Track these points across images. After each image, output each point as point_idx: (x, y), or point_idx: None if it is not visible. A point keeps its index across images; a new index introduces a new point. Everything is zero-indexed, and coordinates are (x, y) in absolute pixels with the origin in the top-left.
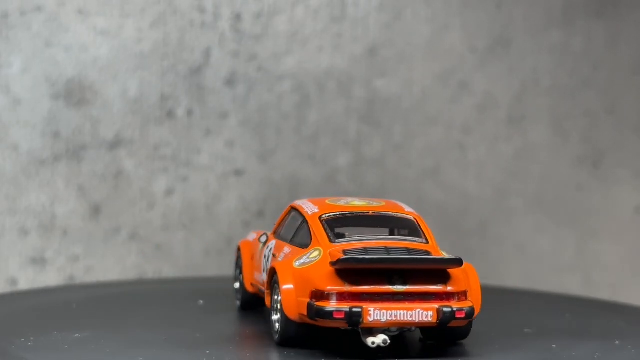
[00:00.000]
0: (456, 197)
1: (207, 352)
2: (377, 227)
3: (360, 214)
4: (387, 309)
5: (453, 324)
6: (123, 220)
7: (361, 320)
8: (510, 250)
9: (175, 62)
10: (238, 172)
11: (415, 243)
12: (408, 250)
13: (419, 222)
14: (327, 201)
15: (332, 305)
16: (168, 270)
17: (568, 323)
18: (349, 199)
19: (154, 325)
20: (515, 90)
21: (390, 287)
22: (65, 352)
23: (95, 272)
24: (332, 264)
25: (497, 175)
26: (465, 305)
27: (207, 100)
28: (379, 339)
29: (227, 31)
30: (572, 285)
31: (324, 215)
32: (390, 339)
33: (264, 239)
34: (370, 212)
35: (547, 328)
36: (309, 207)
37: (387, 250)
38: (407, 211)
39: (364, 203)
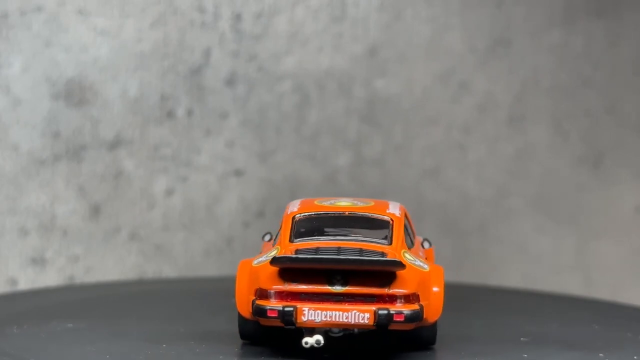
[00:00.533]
0: (456, 197)
1: (164, 345)
2: (353, 227)
3: (337, 214)
4: (322, 310)
5: (395, 327)
6: (123, 220)
7: (294, 319)
8: (510, 250)
9: (175, 62)
10: (238, 172)
11: (373, 244)
12: (360, 251)
13: (393, 223)
14: (315, 201)
15: (270, 303)
16: (168, 270)
17: (561, 328)
18: (338, 200)
19: (142, 321)
20: (515, 90)
21: (329, 287)
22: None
23: (95, 272)
24: (270, 263)
25: (497, 175)
26: (409, 308)
27: (207, 100)
28: (312, 339)
29: (227, 31)
30: (572, 285)
31: (297, 215)
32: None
33: (267, 237)
34: (347, 213)
35: (536, 334)
36: (292, 207)
37: (339, 250)
38: (388, 212)
39: (348, 203)
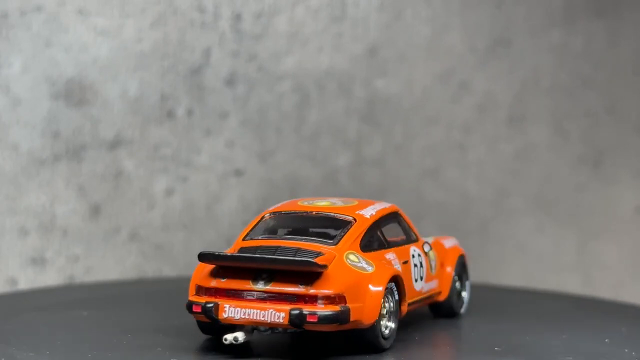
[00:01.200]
0: (456, 197)
1: (129, 335)
2: (315, 227)
3: (304, 214)
4: (241, 307)
5: (311, 328)
6: (123, 220)
7: (215, 315)
8: (510, 250)
9: (175, 62)
10: (238, 172)
11: (315, 244)
12: (296, 251)
13: (354, 224)
14: (298, 202)
15: (196, 299)
16: (168, 270)
17: (545, 335)
18: (322, 199)
19: (132, 316)
20: (515, 90)
21: (252, 285)
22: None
23: (95, 272)
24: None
25: (497, 175)
26: (327, 309)
27: (207, 100)
28: (231, 336)
29: (227, 31)
30: (572, 285)
31: (267, 214)
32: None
33: None
34: (314, 213)
35: (514, 343)
36: (273, 206)
37: (276, 250)
38: (357, 213)
39: (326, 203)
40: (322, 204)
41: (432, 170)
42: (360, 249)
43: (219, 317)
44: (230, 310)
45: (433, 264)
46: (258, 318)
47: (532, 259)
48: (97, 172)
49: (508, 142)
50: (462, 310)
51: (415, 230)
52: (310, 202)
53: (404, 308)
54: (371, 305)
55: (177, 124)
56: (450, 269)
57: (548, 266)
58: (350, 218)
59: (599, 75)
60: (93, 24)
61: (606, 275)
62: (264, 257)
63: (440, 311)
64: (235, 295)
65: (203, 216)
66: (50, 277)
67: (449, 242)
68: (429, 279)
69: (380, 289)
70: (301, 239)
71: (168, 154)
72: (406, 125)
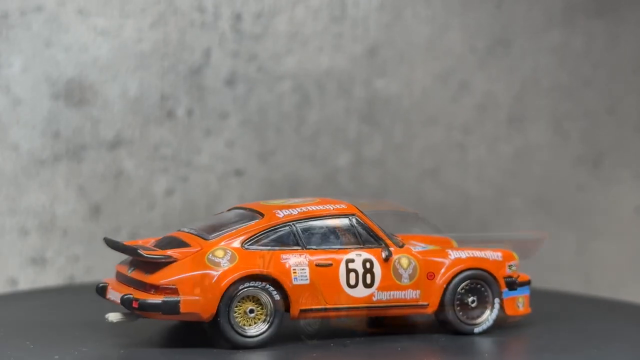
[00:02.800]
0: (456, 197)
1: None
2: (236, 223)
3: (240, 210)
4: (115, 290)
5: (141, 314)
6: (123, 220)
7: (103, 295)
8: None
9: (175, 62)
10: (238, 172)
11: (195, 238)
12: (172, 243)
13: (254, 222)
14: (262, 201)
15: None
16: None
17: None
18: (283, 200)
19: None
20: (515, 90)
21: (127, 271)
22: None
23: (95, 272)
24: None
25: (497, 175)
26: (151, 298)
27: (207, 100)
28: (107, 315)
29: (227, 31)
30: (572, 285)
31: (226, 210)
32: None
33: None
34: (247, 209)
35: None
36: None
37: (170, 241)
38: (272, 212)
39: (279, 202)
40: (274, 203)
41: (432, 170)
42: (246, 245)
43: (106, 297)
44: (110, 292)
45: (405, 272)
46: (116, 300)
47: (532, 259)
48: (97, 172)
49: (508, 142)
50: (478, 329)
51: (381, 234)
52: (269, 201)
53: (294, 311)
54: (210, 300)
55: (177, 124)
56: (442, 281)
57: (548, 266)
58: (259, 216)
59: (599, 75)
60: (93, 24)
61: (606, 275)
62: (119, 245)
63: (444, 325)
64: (118, 278)
65: (203, 216)
66: (50, 277)
67: (460, 254)
68: (394, 288)
69: (220, 286)
70: (194, 232)
71: (168, 154)
72: (406, 125)
